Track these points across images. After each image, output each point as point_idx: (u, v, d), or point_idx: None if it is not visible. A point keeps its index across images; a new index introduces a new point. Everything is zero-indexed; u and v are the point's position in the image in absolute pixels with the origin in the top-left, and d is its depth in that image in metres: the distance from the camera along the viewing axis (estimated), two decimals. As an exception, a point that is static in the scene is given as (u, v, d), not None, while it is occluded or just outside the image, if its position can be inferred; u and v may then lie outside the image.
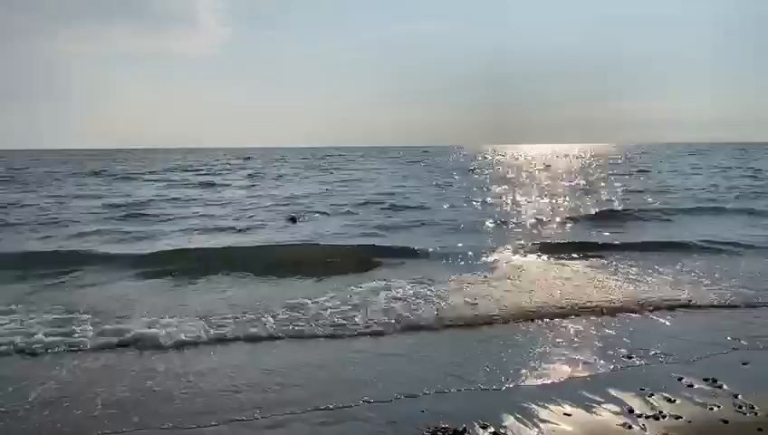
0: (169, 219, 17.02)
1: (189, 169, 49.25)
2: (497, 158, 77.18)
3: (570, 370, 5.62)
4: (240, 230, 15.05)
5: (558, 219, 16.27)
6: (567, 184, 29.56)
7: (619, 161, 58.42)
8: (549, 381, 5.35)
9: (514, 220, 16.01)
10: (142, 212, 18.50)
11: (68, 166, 55.44)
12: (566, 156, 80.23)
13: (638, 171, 39.18)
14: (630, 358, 5.90)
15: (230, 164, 58.46)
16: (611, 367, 5.69)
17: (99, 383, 5.31)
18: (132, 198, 23.22)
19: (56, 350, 6.17)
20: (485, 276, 9.48)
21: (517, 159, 76.16)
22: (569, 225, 15.55)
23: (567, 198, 21.67)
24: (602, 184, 29.02)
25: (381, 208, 19.39)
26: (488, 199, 21.90)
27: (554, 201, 20.80)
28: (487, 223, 15.58)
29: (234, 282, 9.45)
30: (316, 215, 17.91)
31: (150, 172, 43.90)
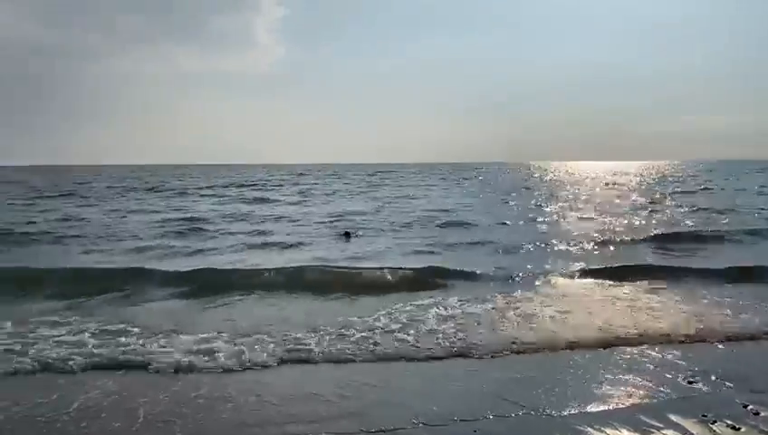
0: (222, 235, 17.23)
1: (245, 184, 50.19)
2: (551, 175, 75.36)
3: (629, 395, 5.38)
4: (292, 246, 15.07)
5: (619, 240, 15.50)
6: (628, 202, 28.33)
7: (681, 178, 56.14)
8: (607, 407, 5.12)
9: (574, 241, 15.25)
10: (197, 227, 18.77)
11: (128, 181, 57.30)
12: (626, 174, 77.58)
13: (703, 189, 37.44)
14: (692, 384, 5.60)
15: (284, 180, 59.21)
16: (672, 393, 5.40)
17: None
18: (188, 213, 23.68)
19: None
20: (543, 299, 9.16)
21: (572, 175, 74.36)
22: (631, 246, 14.83)
23: (629, 218, 20.58)
24: (666, 202, 27.72)
25: (435, 226, 19.16)
26: (546, 218, 21.20)
27: (616, 221, 19.82)
28: (545, 243, 14.94)
29: (288, 300, 9.43)
30: (369, 231, 17.84)
31: (208, 187, 44.92)
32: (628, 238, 15.75)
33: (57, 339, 6.97)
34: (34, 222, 19.65)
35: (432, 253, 13.92)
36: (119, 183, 52.62)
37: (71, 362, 6.17)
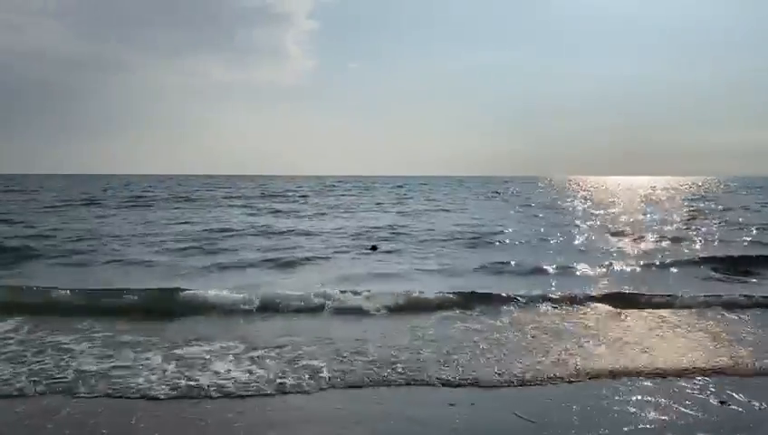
0: (247, 248, 16.82)
1: (274, 194, 50.37)
2: (583, 191, 73.99)
3: None
4: (320, 258, 14.85)
5: (668, 262, 14.47)
6: (669, 220, 27.20)
7: (722, 195, 54.53)
8: None
9: (615, 262, 14.34)
10: (224, 238, 18.56)
11: (159, 190, 57.96)
12: (665, 188, 75.73)
13: (741, 207, 36.18)
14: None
15: (313, 191, 59.43)
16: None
17: None
18: (218, 223, 23.60)
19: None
20: (583, 326, 8.53)
21: (604, 189, 73.02)
22: (681, 270, 13.70)
23: (671, 238, 19.34)
24: (709, 221, 26.53)
25: (464, 241, 18.59)
26: (583, 236, 20.32)
27: (659, 240, 18.82)
28: (582, 265, 13.95)
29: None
30: (397, 244, 17.54)
31: (236, 197, 45.16)
32: (676, 260, 14.66)
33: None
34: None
35: (459, 274, 13.09)
36: (148, 192, 53.32)
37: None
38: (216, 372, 6.27)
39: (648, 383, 6.10)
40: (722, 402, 5.51)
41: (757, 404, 5.51)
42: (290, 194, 50.75)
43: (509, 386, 6.07)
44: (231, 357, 6.81)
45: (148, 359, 6.71)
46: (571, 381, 6.18)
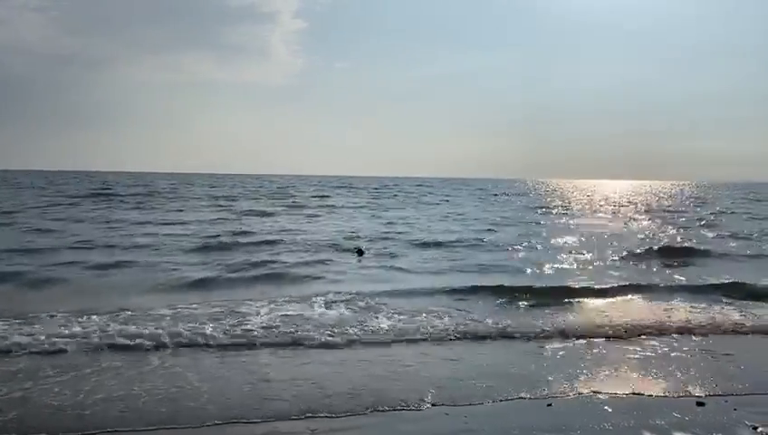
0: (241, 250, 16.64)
1: (256, 195, 49.65)
2: (570, 193, 74.81)
3: None
4: (295, 265, 14.05)
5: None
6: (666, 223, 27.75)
7: (709, 200, 55.47)
8: None
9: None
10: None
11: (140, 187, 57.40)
12: (649, 193, 76.73)
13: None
14: None
15: (298, 191, 59.01)
16: None
17: None
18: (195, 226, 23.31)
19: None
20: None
21: (590, 194, 73.82)
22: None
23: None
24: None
25: (453, 246, 18.52)
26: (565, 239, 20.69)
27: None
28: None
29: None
30: (385, 249, 17.35)
31: (224, 197, 44.91)
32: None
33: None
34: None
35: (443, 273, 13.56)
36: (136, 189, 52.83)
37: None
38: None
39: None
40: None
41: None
42: (277, 196, 50.16)
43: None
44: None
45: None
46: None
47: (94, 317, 8.39)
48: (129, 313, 8.77)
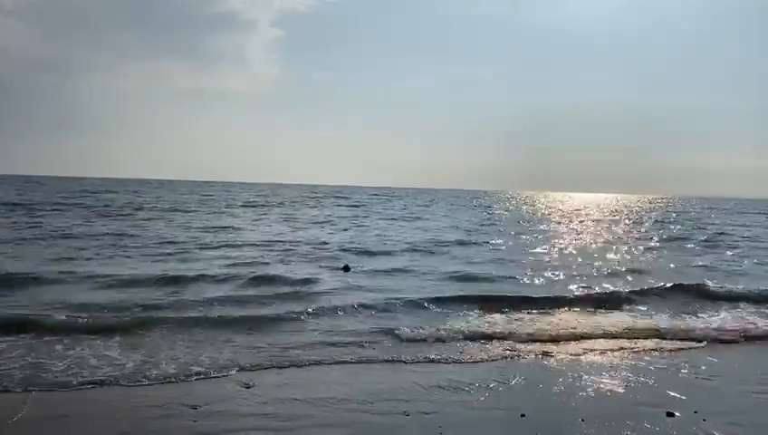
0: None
1: (230, 206, 47.99)
2: (556, 206, 75.79)
3: None
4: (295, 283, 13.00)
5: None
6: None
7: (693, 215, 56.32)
8: None
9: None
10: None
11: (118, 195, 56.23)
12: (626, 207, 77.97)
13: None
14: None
15: (269, 200, 58.42)
16: None
17: None
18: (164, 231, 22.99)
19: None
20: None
21: (577, 209, 74.85)
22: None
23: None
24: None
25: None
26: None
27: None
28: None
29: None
30: (361, 260, 17.09)
31: (202, 204, 44.13)
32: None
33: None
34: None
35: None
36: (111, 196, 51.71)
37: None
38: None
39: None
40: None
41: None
42: (255, 205, 49.58)
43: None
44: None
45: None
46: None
47: None
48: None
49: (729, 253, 22.31)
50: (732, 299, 12.72)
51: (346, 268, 15.44)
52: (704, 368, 7.74)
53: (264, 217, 35.22)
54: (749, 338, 9.60)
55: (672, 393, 6.59)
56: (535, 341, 8.93)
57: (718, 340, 9.38)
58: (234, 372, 7.01)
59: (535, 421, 5.69)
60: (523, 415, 5.80)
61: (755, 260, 20.06)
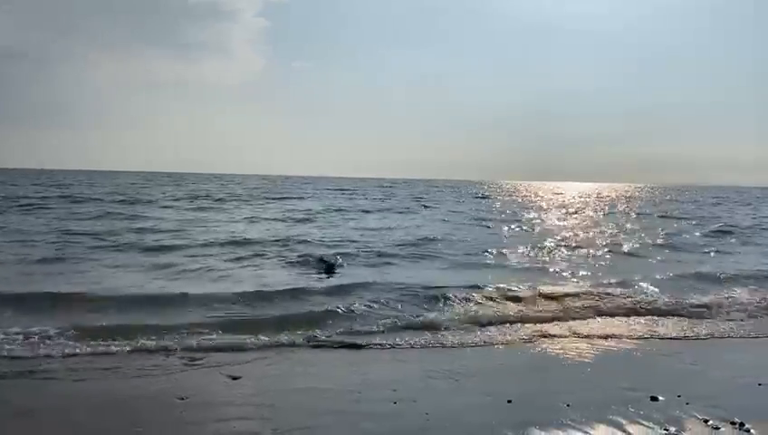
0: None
1: (212, 196, 46.57)
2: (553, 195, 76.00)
3: None
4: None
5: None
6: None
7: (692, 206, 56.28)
8: None
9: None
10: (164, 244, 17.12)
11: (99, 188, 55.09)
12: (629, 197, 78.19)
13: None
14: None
15: (254, 192, 57.26)
16: None
17: None
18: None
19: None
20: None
21: (572, 197, 75.22)
22: None
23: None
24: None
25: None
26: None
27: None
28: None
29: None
30: (356, 261, 14.95)
31: (186, 198, 43.19)
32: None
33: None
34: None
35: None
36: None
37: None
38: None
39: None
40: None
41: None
42: (235, 197, 48.65)
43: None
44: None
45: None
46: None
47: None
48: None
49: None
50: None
51: (329, 268, 13.13)
52: (689, 354, 7.86)
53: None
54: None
55: (657, 379, 6.69)
56: (525, 322, 9.16)
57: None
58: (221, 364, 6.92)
59: (521, 406, 5.74)
60: (509, 401, 5.84)
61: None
